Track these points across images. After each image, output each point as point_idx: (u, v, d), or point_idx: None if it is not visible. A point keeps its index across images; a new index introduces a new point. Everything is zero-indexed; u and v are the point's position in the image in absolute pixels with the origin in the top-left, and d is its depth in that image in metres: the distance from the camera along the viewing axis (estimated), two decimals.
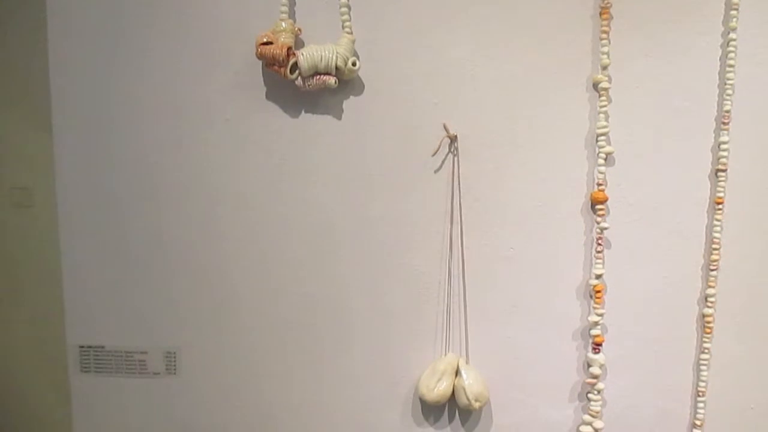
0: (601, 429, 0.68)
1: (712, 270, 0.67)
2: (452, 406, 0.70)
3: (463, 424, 0.70)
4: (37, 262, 1.25)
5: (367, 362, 0.69)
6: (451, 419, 0.70)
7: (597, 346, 0.67)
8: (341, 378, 0.70)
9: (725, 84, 0.64)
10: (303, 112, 0.67)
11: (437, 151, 0.65)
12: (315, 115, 0.67)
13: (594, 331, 0.67)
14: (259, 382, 0.70)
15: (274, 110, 0.67)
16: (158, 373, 0.70)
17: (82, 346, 0.70)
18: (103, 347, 0.70)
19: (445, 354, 0.68)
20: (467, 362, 0.68)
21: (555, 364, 0.69)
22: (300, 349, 0.70)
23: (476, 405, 0.65)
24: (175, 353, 0.69)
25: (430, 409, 0.70)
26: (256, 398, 0.70)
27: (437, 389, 0.65)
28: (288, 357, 0.70)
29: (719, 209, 0.66)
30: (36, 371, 1.25)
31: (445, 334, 0.68)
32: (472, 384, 0.65)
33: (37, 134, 1.20)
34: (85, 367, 0.69)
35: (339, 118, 0.67)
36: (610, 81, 0.65)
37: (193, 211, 0.68)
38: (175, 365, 0.69)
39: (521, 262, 0.67)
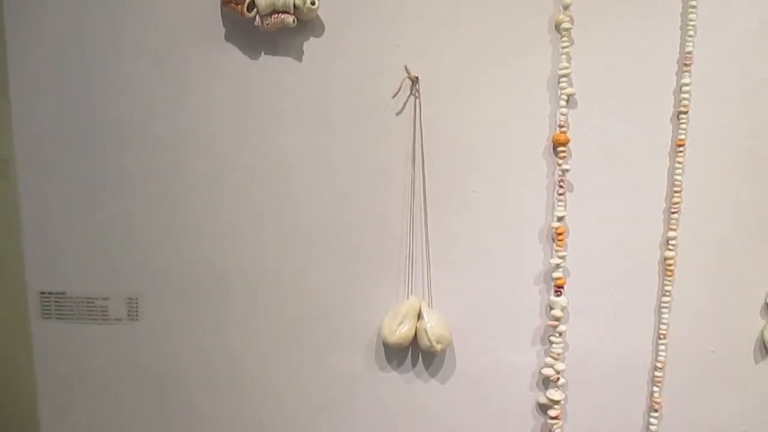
0: (562, 371, 0.70)
1: (674, 213, 0.68)
2: (415, 350, 0.72)
3: (426, 369, 0.72)
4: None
5: (329, 306, 0.71)
6: (414, 363, 0.72)
7: (559, 289, 0.68)
8: (304, 322, 0.71)
9: (687, 25, 0.65)
10: (263, 53, 0.68)
11: (398, 93, 0.66)
12: (275, 57, 0.68)
13: (556, 274, 0.68)
14: (222, 327, 0.72)
15: (233, 52, 0.67)
16: (120, 320, 0.71)
17: (43, 293, 0.71)
18: (64, 293, 0.71)
19: (408, 298, 0.68)
20: (430, 306, 0.69)
21: (518, 308, 0.71)
22: (262, 293, 0.70)
23: (438, 347, 0.66)
24: (137, 299, 0.71)
25: (394, 353, 0.71)
26: (218, 343, 0.72)
27: (399, 332, 0.67)
28: (250, 302, 0.71)
29: (681, 152, 0.67)
30: None
31: (408, 278, 0.69)
32: (433, 326, 0.66)
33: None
34: (47, 314, 0.71)
35: (299, 60, 0.68)
36: (572, 22, 0.66)
37: (154, 155, 0.69)
38: (137, 311, 0.71)
39: (483, 206, 0.69)
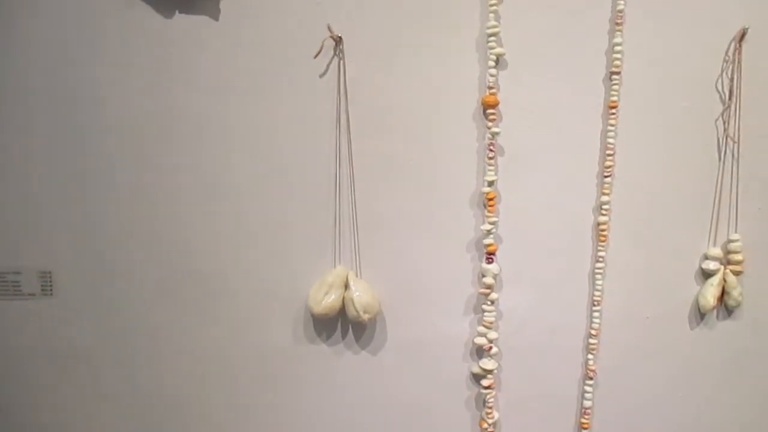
0: (495, 340, 0.69)
1: (607, 177, 0.68)
2: (345, 322, 0.70)
3: (357, 340, 0.70)
4: None
5: (255, 278, 0.70)
6: (344, 335, 0.70)
7: (490, 256, 0.67)
8: (229, 295, 0.70)
9: None
10: (177, 13, 0.65)
11: (319, 53, 0.64)
12: (191, 17, 0.65)
13: (486, 241, 0.67)
14: (141, 302, 0.69)
15: (147, 11, 0.64)
16: (33, 295, 0.68)
17: None
18: None
19: (336, 267, 0.67)
20: (359, 275, 0.68)
21: (449, 277, 0.70)
22: (185, 267, 0.70)
23: (365, 317, 0.65)
24: (50, 273, 0.68)
25: (323, 326, 0.70)
26: (137, 319, 0.69)
27: (325, 302, 0.65)
28: (170, 274, 0.68)
29: (613, 114, 0.66)
30: None
31: (335, 246, 0.67)
32: (360, 295, 0.65)
33: None
34: None
35: (216, 19, 0.65)
36: None
37: (66, 122, 0.66)
38: (51, 286, 0.68)
39: (412, 171, 0.67)
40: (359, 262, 0.70)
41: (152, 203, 0.68)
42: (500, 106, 0.67)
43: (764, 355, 0.74)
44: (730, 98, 0.68)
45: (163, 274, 0.70)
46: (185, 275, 0.70)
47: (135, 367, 0.73)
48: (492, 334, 0.70)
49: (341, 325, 0.71)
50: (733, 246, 0.71)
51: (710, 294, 0.71)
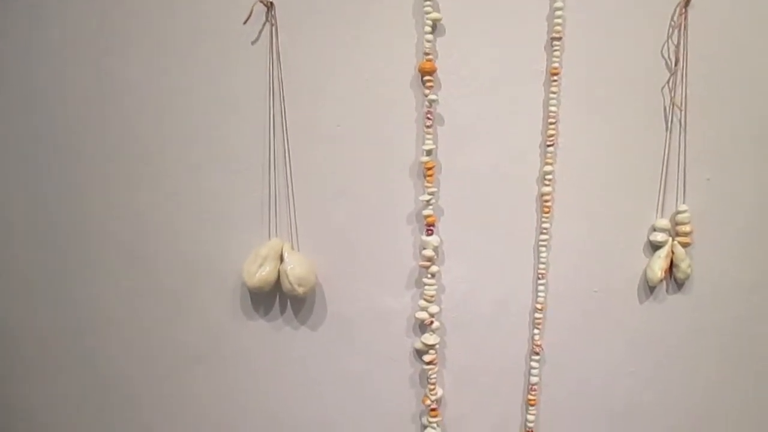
0: (437, 314, 0.68)
1: (549, 146, 0.67)
2: (283, 297, 0.70)
3: (295, 315, 0.70)
4: None
5: (190, 253, 0.69)
6: (283, 311, 0.70)
7: (430, 228, 0.66)
8: (165, 271, 0.69)
9: None
10: None
11: (249, 18, 0.63)
12: None
13: (426, 212, 0.66)
14: (76, 275, 0.68)
15: None
16: None
17: None
18: None
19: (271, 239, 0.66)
20: (296, 248, 0.70)
21: (390, 250, 0.69)
22: (113, 237, 0.68)
23: (300, 290, 0.64)
24: None
25: (261, 300, 0.69)
26: (66, 294, 0.68)
27: (259, 275, 0.64)
28: (102, 247, 0.67)
29: (555, 81, 0.65)
30: None
31: (271, 219, 0.66)
32: (294, 268, 0.64)
33: None
34: None
35: None
36: None
37: None
38: None
39: (349, 141, 0.67)
40: (296, 235, 0.69)
41: (83, 174, 0.67)
42: (438, 74, 0.66)
43: (714, 330, 0.74)
44: (675, 65, 0.67)
45: (94, 246, 0.69)
46: (116, 248, 0.69)
47: (76, 340, 0.72)
48: (433, 308, 0.69)
49: (279, 300, 0.71)
50: (681, 217, 0.70)
51: (658, 266, 0.70)
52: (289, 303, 0.71)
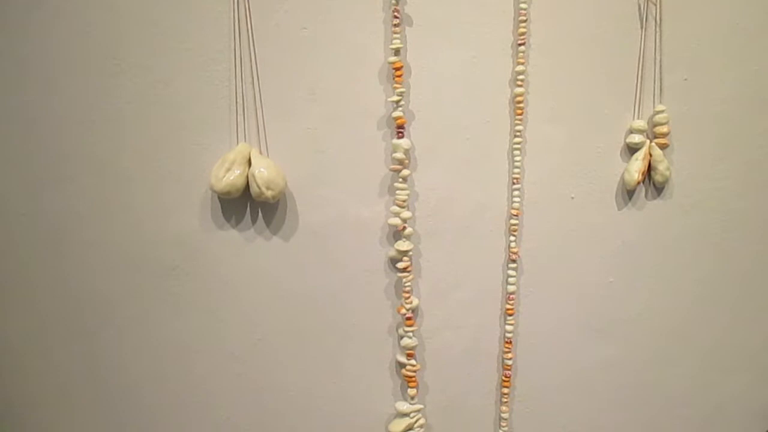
0: (409, 219, 0.68)
1: (521, 45, 0.66)
2: (255, 206, 0.70)
3: (267, 226, 0.70)
4: None
5: (155, 162, 0.69)
6: (254, 220, 0.70)
7: (400, 130, 0.66)
8: (130, 181, 0.69)
9: None
10: None
11: None
12: None
13: (396, 114, 0.66)
14: (43, 188, 0.68)
15: None
16: None
17: None
18: None
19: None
20: (264, 155, 0.69)
21: (362, 156, 0.70)
22: (80, 151, 0.70)
23: (269, 193, 0.64)
24: None
25: (231, 211, 0.70)
26: (35, 210, 0.69)
27: (226, 179, 0.65)
28: (68, 160, 0.68)
29: None
30: None
31: (238, 125, 0.67)
32: (262, 171, 0.65)
33: None
34: None
35: None
36: None
37: None
38: None
39: (317, 43, 0.67)
40: (264, 141, 0.69)
41: (43, 79, 0.67)
42: None
43: (694, 236, 0.74)
44: None
45: (63, 160, 0.69)
46: (84, 161, 0.69)
47: (48, 257, 0.73)
48: (405, 214, 0.69)
49: (250, 210, 0.71)
50: (658, 118, 0.70)
51: (635, 168, 0.71)
52: (260, 213, 0.72)
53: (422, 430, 0.77)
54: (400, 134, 0.69)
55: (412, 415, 0.76)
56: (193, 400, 0.78)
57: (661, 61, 0.71)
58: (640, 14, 0.70)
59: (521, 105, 0.70)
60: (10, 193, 0.71)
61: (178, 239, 0.73)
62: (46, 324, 0.77)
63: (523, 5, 0.68)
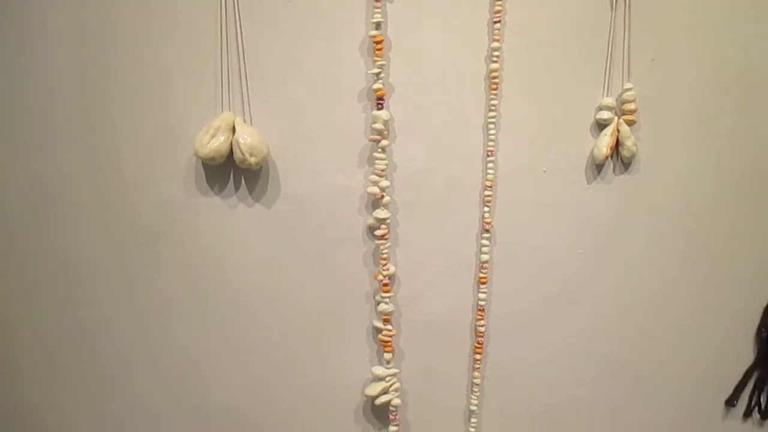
0: (387, 188, 0.71)
1: (496, 23, 0.70)
2: (238, 174, 0.73)
3: (250, 193, 0.73)
4: None
5: (140, 128, 0.72)
6: (237, 188, 0.73)
7: (379, 101, 0.70)
8: (115, 147, 0.72)
9: None
10: None
11: None
12: None
13: (375, 86, 0.69)
14: (31, 155, 0.71)
15: None
16: None
17: None
18: None
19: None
20: (248, 123, 0.72)
21: (342, 127, 0.73)
22: (67, 116, 0.72)
23: (252, 160, 0.67)
24: None
25: (215, 177, 0.73)
26: (25, 171, 0.71)
27: (211, 145, 0.68)
28: (54, 128, 0.70)
29: None
30: None
31: (223, 95, 0.70)
32: (246, 138, 0.68)
33: None
34: None
35: None
36: None
37: None
38: None
39: (301, 16, 0.69)
40: (249, 112, 0.72)
41: (31, 49, 0.69)
42: None
43: (660, 210, 0.78)
44: None
45: (43, 124, 0.71)
46: (66, 126, 0.71)
47: (26, 223, 0.75)
48: (384, 183, 0.73)
49: (233, 177, 0.74)
50: (626, 96, 0.74)
51: (604, 143, 0.74)
52: (243, 181, 0.75)
53: (397, 393, 0.80)
54: (380, 106, 0.73)
55: (387, 379, 0.79)
56: (175, 363, 0.81)
57: (629, 41, 0.75)
58: None
59: (496, 81, 0.74)
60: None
61: (163, 206, 0.76)
62: (32, 288, 0.79)
63: None
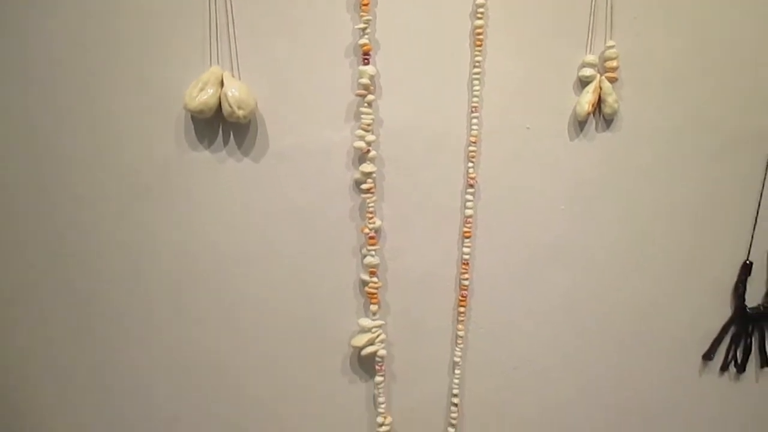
0: (373, 142, 0.73)
1: None
2: (227, 128, 0.75)
3: (239, 147, 0.75)
4: None
5: (129, 84, 0.74)
6: (226, 142, 0.75)
7: (366, 57, 0.71)
8: (104, 103, 0.73)
9: None
10: None
11: None
12: None
13: (362, 41, 0.71)
14: (25, 113, 0.73)
15: None
16: None
17: None
18: None
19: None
20: (236, 78, 0.74)
21: (330, 83, 0.75)
22: (59, 75, 0.75)
23: (240, 113, 0.69)
24: None
25: (205, 132, 0.75)
26: (19, 130, 0.73)
27: (199, 98, 0.70)
28: (46, 80, 0.72)
29: None
30: None
31: (212, 51, 0.71)
32: (234, 92, 0.69)
33: None
34: None
35: None
36: None
37: None
38: None
39: None
40: (237, 67, 0.73)
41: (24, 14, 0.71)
42: None
43: (640, 166, 0.80)
44: None
45: (37, 83, 0.73)
46: (65, 82, 0.73)
47: (21, 179, 0.77)
48: (370, 137, 0.75)
49: (222, 131, 0.76)
50: (608, 53, 0.76)
51: (586, 100, 0.76)
52: (232, 136, 0.76)
53: (383, 345, 0.83)
54: (366, 61, 0.74)
55: (373, 330, 0.82)
56: (168, 315, 0.84)
57: None
58: None
59: (480, 37, 0.76)
60: None
61: (155, 160, 0.78)
62: (28, 244, 0.81)
63: None
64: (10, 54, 0.74)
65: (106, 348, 0.86)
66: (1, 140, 0.77)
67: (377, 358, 0.83)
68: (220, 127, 0.76)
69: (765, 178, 0.84)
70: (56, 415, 0.89)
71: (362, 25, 0.73)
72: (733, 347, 0.90)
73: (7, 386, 0.87)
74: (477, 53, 0.76)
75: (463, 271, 0.82)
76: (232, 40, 0.74)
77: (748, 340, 0.90)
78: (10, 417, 0.88)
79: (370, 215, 0.78)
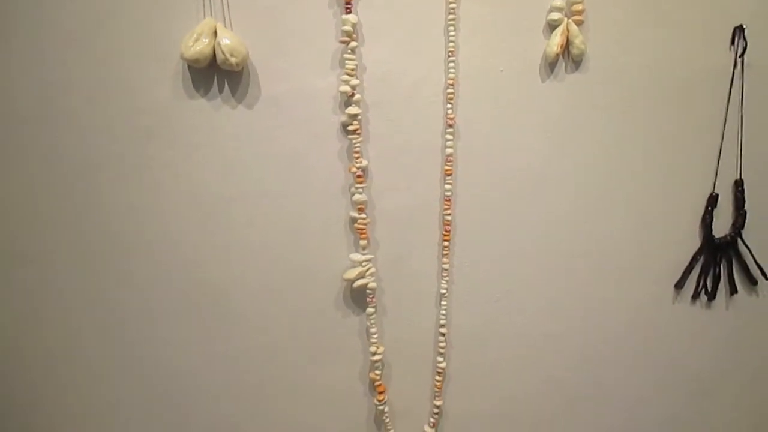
0: (357, 86, 0.80)
1: None
2: (222, 77, 0.82)
3: (233, 95, 0.82)
4: None
5: (132, 37, 0.82)
6: (221, 90, 0.82)
7: (348, 5, 0.79)
8: (109, 52, 0.81)
9: None
10: None
11: None
12: None
13: None
14: (29, 64, 0.80)
15: None
16: None
17: None
18: None
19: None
20: (228, 28, 0.80)
21: (317, 32, 0.82)
22: (61, 28, 0.82)
23: (233, 60, 0.77)
24: None
25: (200, 81, 0.82)
26: (22, 81, 0.80)
27: (194, 47, 0.77)
28: (52, 36, 0.79)
29: None
30: None
31: (205, 4, 0.78)
32: (227, 41, 0.77)
33: None
34: None
35: None
36: None
37: None
38: None
39: None
40: (229, 18, 0.81)
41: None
42: None
43: (608, 105, 0.87)
44: None
45: (40, 35, 0.80)
46: (60, 36, 0.81)
47: (28, 127, 0.85)
48: (354, 82, 0.82)
49: (217, 80, 0.83)
50: None
51: (554, 42, 0.84)
52: (226, 84, 0.84)
53: (373, 278, 0.90)
54: (348, 10, 0.82)
55: (363, 263, 0.89)
56: (165, 249, 0.91)
57: None
58: None
59: None
60: None
61: (154, 107, 0.85)
62: (34, 185, 0.88)
63: None
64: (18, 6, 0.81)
65: (103, 278, 0.93)
66: (10, 88, 0.84)
67: (368, 291, 0.90)
68: (215, 76, 0.84)
69: (727, 113, 0.91)
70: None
71: None
72: (703, 276, 0.97)
73: None
74: (452, 1, 0.83)
75: (446, 207, 0.90)
76: None
77: (717, 269, 0.97)
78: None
79: (357, 155, 0.85)
